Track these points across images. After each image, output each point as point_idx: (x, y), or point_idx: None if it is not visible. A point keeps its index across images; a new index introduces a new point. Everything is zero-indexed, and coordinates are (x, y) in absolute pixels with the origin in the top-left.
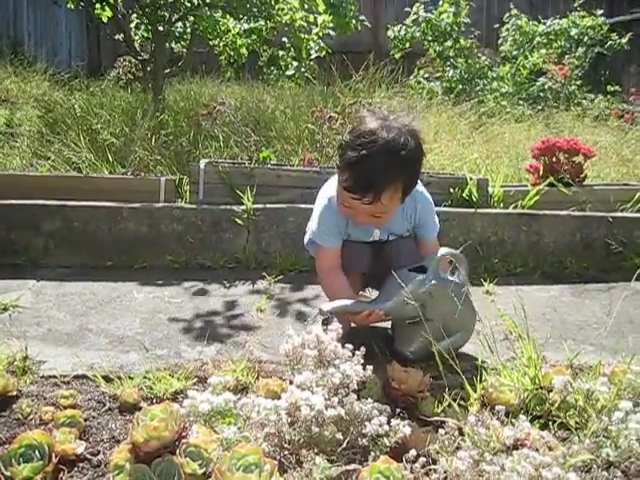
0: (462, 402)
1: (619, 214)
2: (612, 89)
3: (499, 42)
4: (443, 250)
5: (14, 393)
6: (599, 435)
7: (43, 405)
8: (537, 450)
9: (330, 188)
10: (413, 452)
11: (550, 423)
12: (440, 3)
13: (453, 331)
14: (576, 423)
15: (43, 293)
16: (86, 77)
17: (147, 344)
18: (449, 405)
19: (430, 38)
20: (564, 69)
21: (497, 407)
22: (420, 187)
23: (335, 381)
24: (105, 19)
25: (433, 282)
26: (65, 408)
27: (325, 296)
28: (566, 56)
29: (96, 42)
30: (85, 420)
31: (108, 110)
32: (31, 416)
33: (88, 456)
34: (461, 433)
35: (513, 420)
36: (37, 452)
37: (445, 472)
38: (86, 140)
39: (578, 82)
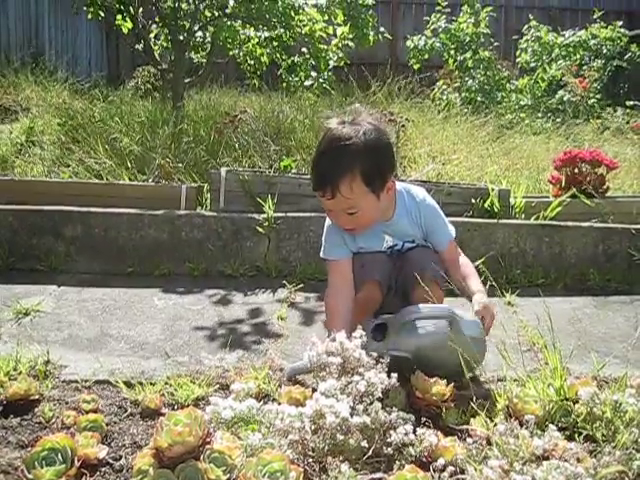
0: (487, 413)
1: None
2: (631, 103)
3: (517, 54)
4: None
5: (36, 397)
6: (629, 447)
7: (65, 409)
8: (566, 461)
9: None
10: (441, 461)
11: (576, 435)
12: (461, 14)
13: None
14: (603, 435)
15: (64, 298)
16: (105, 87)
17: (168, 350)
18: (473, 415)
19: (450, 49)
20: (584, 82)
21: (527, 416)
22: (421, 193)
23: (360, 389)
24: (126, 30)
25: (438, 335)
26: (87, 412)
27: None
28: (584, 67)
29: (115, 52)
30: (107, 425)
31: (127, 119)
32: (53, 420)
33: (110, 461)
34: (489, 443)
35: (538, 431)
36: (60, 456)
37: None
38: (106, 148)
39: (598, 95)
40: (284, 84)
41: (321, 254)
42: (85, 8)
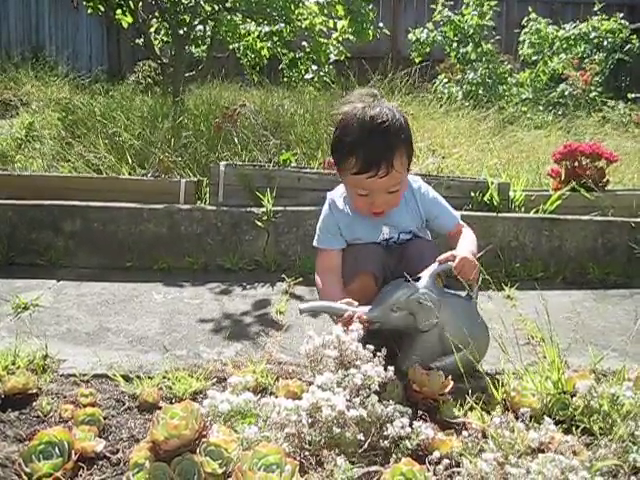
0: (484, 406)
1: None
2: (633, 96)
3: (518, 47)
4: (443, 264)
5: (34, 391)
6: (625, 440)
7: (63, 403)
8: (562, 454)
9: (333, 193)
10: (436, 454)
11: (573, 428)
12: (463, 7)
13: (456, 348)
14: (600, 428)
15: (63, 293)
16: (106, 81)
17: (166, 344)
18: (471, 408)
19: (453, 41)
20: (585, 75)
21: (522, 410)
22: (417, 181)
23: (356, 382)
24: (126, 24)
25: (423, 291)
26: (85, 406)
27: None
28: (585, 60)
29: (116, 47)
30: (104, 419)
31: (127, 113)
32: (51, 414)
33: (107, 454)
34: (484, 436)
35: (536, 424)
36: (57, 449)
37: (469, 474)
38: (105, 142)
39: (599, 89)
40: (285, 78)
41: (314, 242)
42: (85, 3)
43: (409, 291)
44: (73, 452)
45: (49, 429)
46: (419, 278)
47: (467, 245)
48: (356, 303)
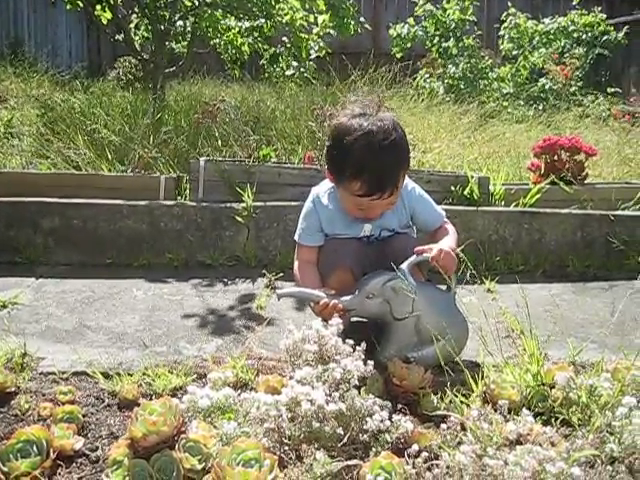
0: (463, 399)
1: (621, 212)
2: (612, 90)
3: (499, 42)
4: (421, 255)
5: (12, 389)
6: (603, 431)
7: (42, 401)
8: (540, 445)
9: (317, 189)
10: (415, 447)
11: (552, 420)
12: (445, 1)
13: (431, 339)
14: (579, 419)
15: (42, 290)
16: (86, 77)
17: (146, 341)
18: (450, 401)
19: (434, 35)
20: (565, 69)
21: (500, 402)
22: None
23: (336, 376)
24: (105, 20)
25: (399, 278)
26: (63, 404)
27: None
28: (565, 55)
29: (96, 43)
30: (84, 416)
31: (107, 109)
32: (29, 412)
33: (86, 452)
34: (463, 428)
35: (515, 416)
36: (35, 447)
37: (448, 467)
38: (85, 139)
39: (579, 83)
40: (266, 74)
41: (296, 237)
42: None
43: (384, 278)
44: (51, 450)
45: (27, 427)
46: (396, 269)
47: (447, 240)
48: (333, 291)
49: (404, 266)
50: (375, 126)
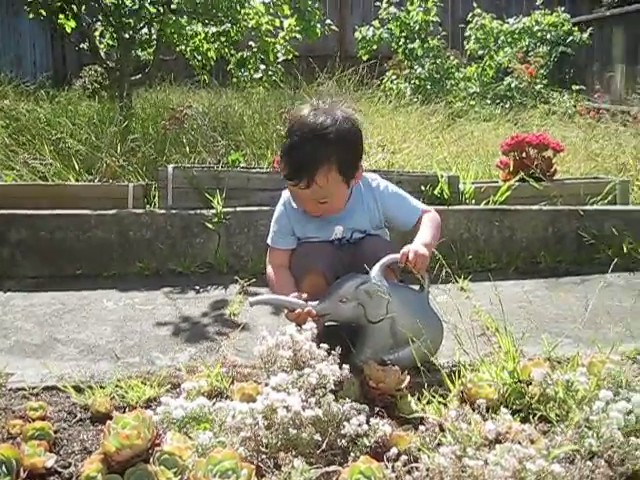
0: (441, 399)
1: (590, 207)
2: (577, 87)
3: (464, 42)
4: (391, 255)
5: None
6: (581, 426)
7: (11, 418)
8: (519, 443)
9: (288, 193)
10: (394, 450)
11: (530, 416)
12: (408, 3)
13: (407, 341)
14: (557, 415)
15: (10, 304)
16: (52, 87)
17: (118, 352)
18: (428, 402)
19: (399, 37)
20: (530, 68)
21: (478, 401)
22: (375, 180)
23: (312, 381)
24: (69, 29)
25: (371, 281)
26: (34, 420)
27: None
28: (530, 54)
29: (61, 52)
30: (55, 432)
31: (73, 119)
32: None
33: (59, 469)
34: (442, 429)
35: (494, 415)
36: (4, 467)
37: (427, 469)
38: (51, 149)
39: (544, 81)
40: (234, 79)
41: (268, 240)
42: (25, 7)
43: (357, 282)
44: (22, 469)
45: None
46: (368, 271)
47: (420, 236)
48: (305, 296)
49: (375, 268)
50: (314, 117)
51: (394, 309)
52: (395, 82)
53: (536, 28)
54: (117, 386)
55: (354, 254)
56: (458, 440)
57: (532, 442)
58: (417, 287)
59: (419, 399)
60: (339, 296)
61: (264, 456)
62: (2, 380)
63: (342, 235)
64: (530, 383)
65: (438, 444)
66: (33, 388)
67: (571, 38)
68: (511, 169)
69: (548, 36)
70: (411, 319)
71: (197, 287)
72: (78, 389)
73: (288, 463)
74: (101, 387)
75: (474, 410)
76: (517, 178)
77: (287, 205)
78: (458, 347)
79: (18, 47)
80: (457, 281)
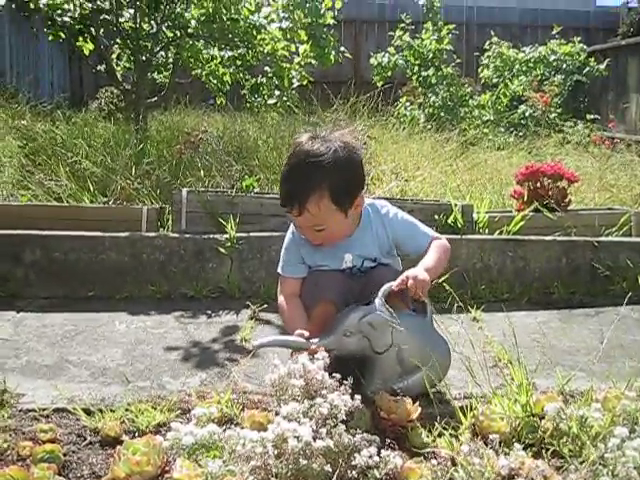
0: (453, 431)
1: (604, 238)
2: (591, 117)
3: (479, 70)
4: (390, 283)
5: None
6: (595, 463)
7: (21, 440)
8: None
9: None
10: None
11: (543, 451)
12: (424, 31)
13: (415, 367)
14: (570, 451)
15: (23, 324)
16: (68, 108)
17: (129, 376)
18: (440, 434)
19: (414, 65)
20: (545, 96)
21: (491, 436)
22: (386, 206)
23: (323, 411)
24: (87, 51)
25: (374, 313)
26: (44, 442)
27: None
28: (545, 82)
29: (78, 74)
30: (65, 455)
31: (89, 140)
32: (8, 452)
33: None
34: (454, 463)
35: (505, 449)
36: None
37: None
38: (67, 170)
39: (559, 110)
40: (248, 104)
41: (279, 269)
42: (45, 30)
43: (360, 314)
44: None
45: (5, 468)
46: (369, 303)
47: (424, 261)
48: (307, 334)
49: (377, 298)
50: (311, 145)
51: (399, 337)
52: (409, 109)
53: (552, 57)
54: (127, 410)
55: (365, 283)
56: (470, 475)
57: (545, 478)
58: (421, 313)
59: (430, 431)
60: (343, 330)
61: None
62: (13, 401)
63: (352, 264)
64: (543, 417)
65: (450, 479)
66: (44, 409)
67: (587, 69)
68: (525, 199)
69: (564, 65)
70: (417, 345)
71: (209, 312)
72: (88, 412)
73: None
74: (111, 410)
75: (487, 444)
76: (531, 208)
77: (295, 233)
78: (470, 379)
79: (37, 68)
80: (470, 311)
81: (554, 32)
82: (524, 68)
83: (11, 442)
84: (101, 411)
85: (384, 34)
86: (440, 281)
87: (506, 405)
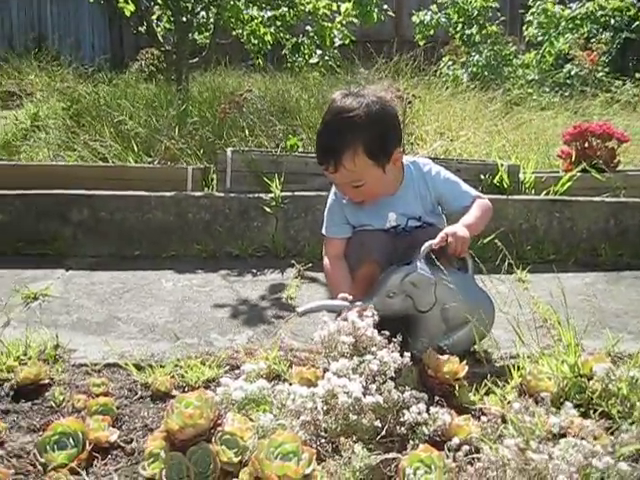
0: (500, 390)
1: None
2: None
3: (524, 28)
4: (430, 241)
5: (46, 381)
6: None
7: (75, 393)
8: (583, 439)
9: None
10: (456, 440)
11: (591, 412)
12: None
13: (460, 324)
14: (619, 412)
15: (72, 282)
16: (109, 70)
17: (177, 332)
18: (487, 393)
19: (457, 23)
20: (592, 55)
21: (542, 394)
22: (427, 165)
23: (373, 368)
24: (128, 13)
25: (416, 272)
26: (97, 396)
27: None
28: (592, 40)
29: (119, 35)
30: (117, 408)
31: (132, 101)
32: (64, 404)
33: (121, 444)
34: (504, 421)
35: (553, 408)
36: (71, 439)
37: (489, 461)
38: (111, 131)
39: (606, 69)
40: (289, 64)
41: (323, 230)
42: None
43: (402, 274)
44: (87, 442)
45: (62, 419)
46: (410, 262)
47: (464, 218)
48: (350, 297)
49: (419, 257)
50: (343, 101)
51: (442, 295)
52: (452, 68)
53: (599, 13)
54: (176, 365)
55: (410, 243)
56: (521, 432)
57: (595, 438)
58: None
59: (477, 389)
60: (386, 291)
61: (323, 440)
62: (66, 356)
63: (397, 223)
64: (591, 378)
65: (499, 436)
66: (95, 365)
67: (637, 24)
68: (573, 159)
69: (612, 22)
70: (460, 301)
71: (254, 270)
72: (139, 367)
73: (348, 448)
74: (161, 366)
75: (536, 403)
76: (579, 168)
77: (338, 194)
78: (517, 339)
79: (78, 31)
80: (515, 272)
81: None
82: (570, 25)
83: (66, 395)
84: (151, 367)
85: None
86: (485, 241)
87: (554, 365)
